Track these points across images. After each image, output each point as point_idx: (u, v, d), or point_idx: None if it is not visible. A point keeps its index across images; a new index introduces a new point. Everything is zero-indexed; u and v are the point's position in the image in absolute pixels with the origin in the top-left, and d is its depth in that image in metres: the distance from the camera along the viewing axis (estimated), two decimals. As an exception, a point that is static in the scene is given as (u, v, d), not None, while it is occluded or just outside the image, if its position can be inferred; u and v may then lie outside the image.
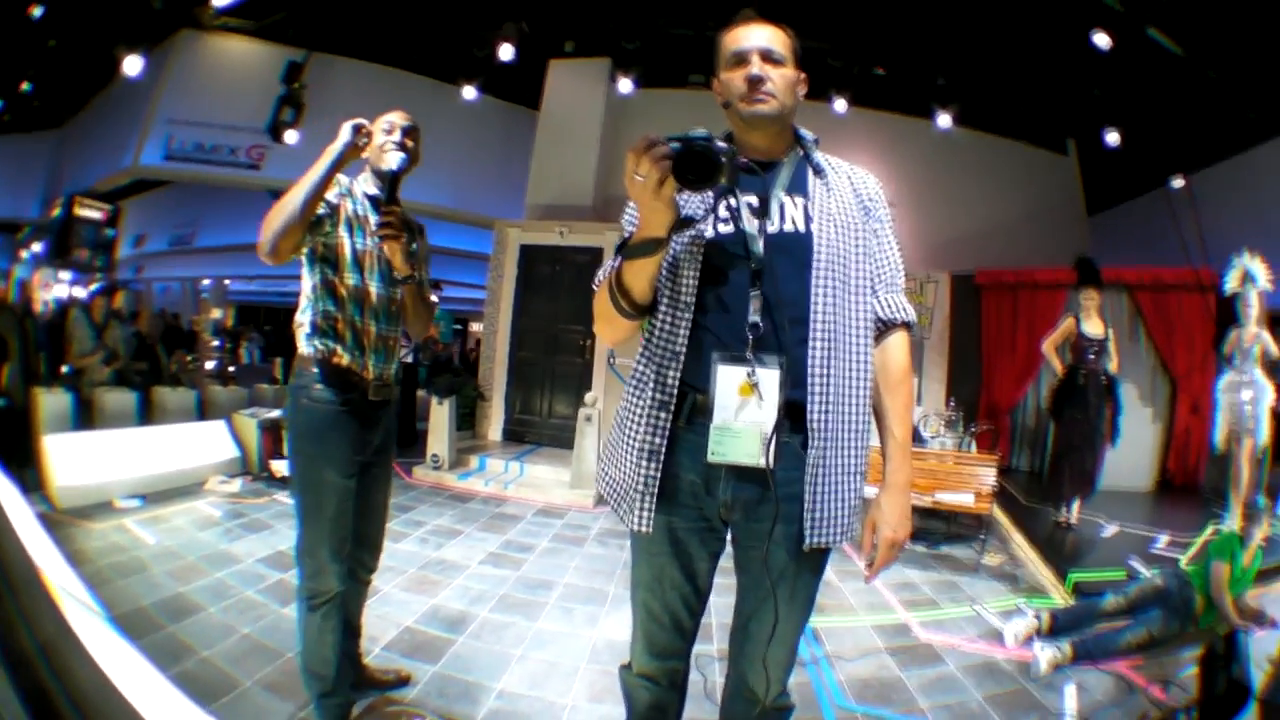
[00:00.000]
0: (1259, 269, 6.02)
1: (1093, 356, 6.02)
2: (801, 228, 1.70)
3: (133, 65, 9.19)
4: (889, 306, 1.79)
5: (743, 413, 1.60)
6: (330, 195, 2.43)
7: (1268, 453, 6.40)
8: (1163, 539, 5.80)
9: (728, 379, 1.61)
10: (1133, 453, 7.85)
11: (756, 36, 1.70)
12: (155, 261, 16.40)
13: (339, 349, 2.50)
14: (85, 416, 6.39)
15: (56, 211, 12.28)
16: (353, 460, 2.49)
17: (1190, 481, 8.33)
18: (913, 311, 1.83)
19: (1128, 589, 4.20)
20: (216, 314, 15.39)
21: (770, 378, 1.59)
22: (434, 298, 3.00)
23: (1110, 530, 6.17)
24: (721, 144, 1.46)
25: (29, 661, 0.92)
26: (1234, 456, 6.05)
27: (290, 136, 9.83)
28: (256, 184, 10.58)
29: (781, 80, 1.69)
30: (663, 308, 1.69)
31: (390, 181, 2.49)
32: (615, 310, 1.65)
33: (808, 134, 1.82)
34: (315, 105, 9.97)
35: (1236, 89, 8.29)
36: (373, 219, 2.53)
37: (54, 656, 0.95)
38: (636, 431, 1.70)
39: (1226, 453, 6.19)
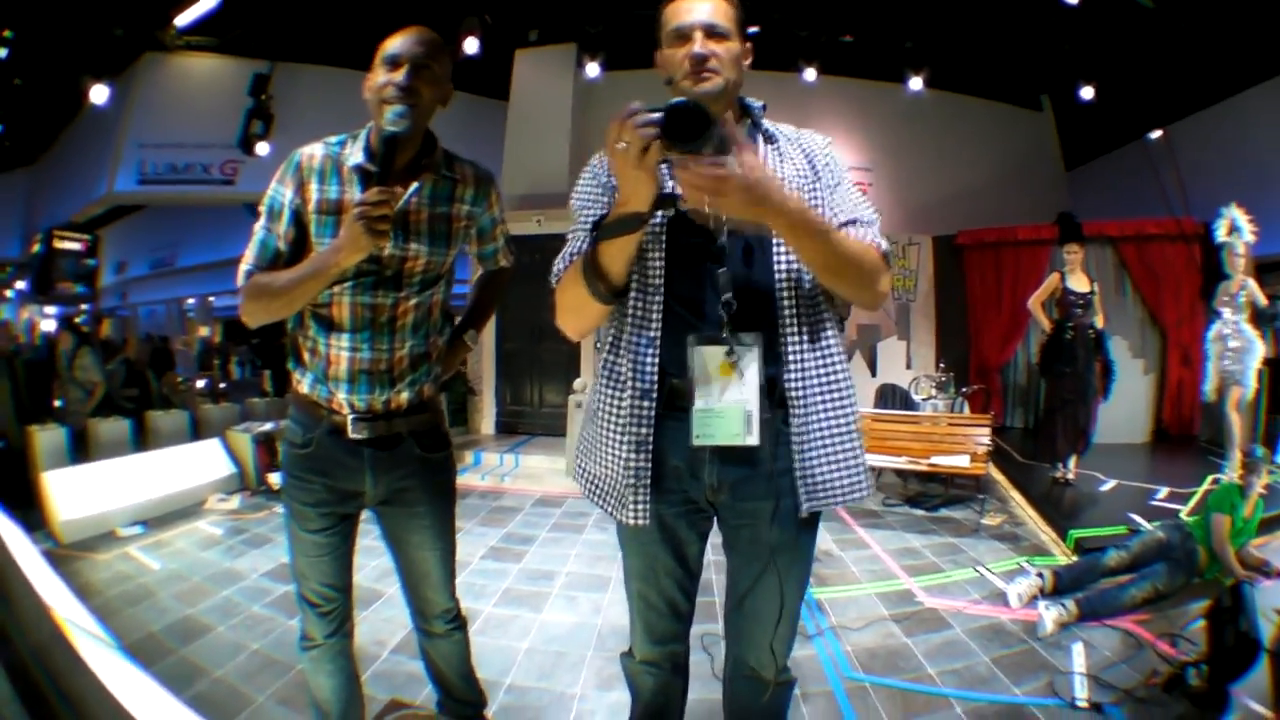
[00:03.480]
0: (1243, 220, 6.08)
1: (1079, 311, 6.05)
2: None
3: (99, 94, 9.27)
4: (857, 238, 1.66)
5: (725, 393, 1.56)
6: (284, 193, 1.91)
7: (1263, 401, 6.46)
8: (1162, 491, 5.84)
9: (707, 360, 1.57)
10: (1127, 406, 7.92)
11: (699, 11, 1.62)
12: (138, 286, 16.38)
13: (300, 376, 2.03)
14: (80, 449, 6.38)
15: (36, 247, 12.26)
16: (315, 514, 2.02)
17: (1186, 432, 8.40)
18: (884, 242, 1.67)
19: (1129, 544, 4.22)
20: (204, 331, 15.32)
21: (749, 355, 1.56)
22: (469, 340, 2.37)
23: (1109, 485, 6.21)
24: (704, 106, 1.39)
25: (47, 701, 0.92)
26: (1224, 406, 6.12)
27: (261, 148, 9.85)
28: (232, 199, 10.59)
29: (726, 55, 1.63)
30: (632, 293, 1.65)
31: (383, 148, 1.78)
32: (590, 295, 1.58)
33: (754, 102, 1.77)
34: (284, 115, 10.00)
35: (1210, 39, 8.29)
36: (353, 199, 1.84)
37: (72, 694, 0.95)
38: (619, 423, 1.67)
39: (1218, 403, 6.26)
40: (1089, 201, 10.58)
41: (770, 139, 1.74)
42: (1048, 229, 8.47)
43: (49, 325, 13.21)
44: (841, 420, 1.67)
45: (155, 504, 5.87)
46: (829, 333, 1.68)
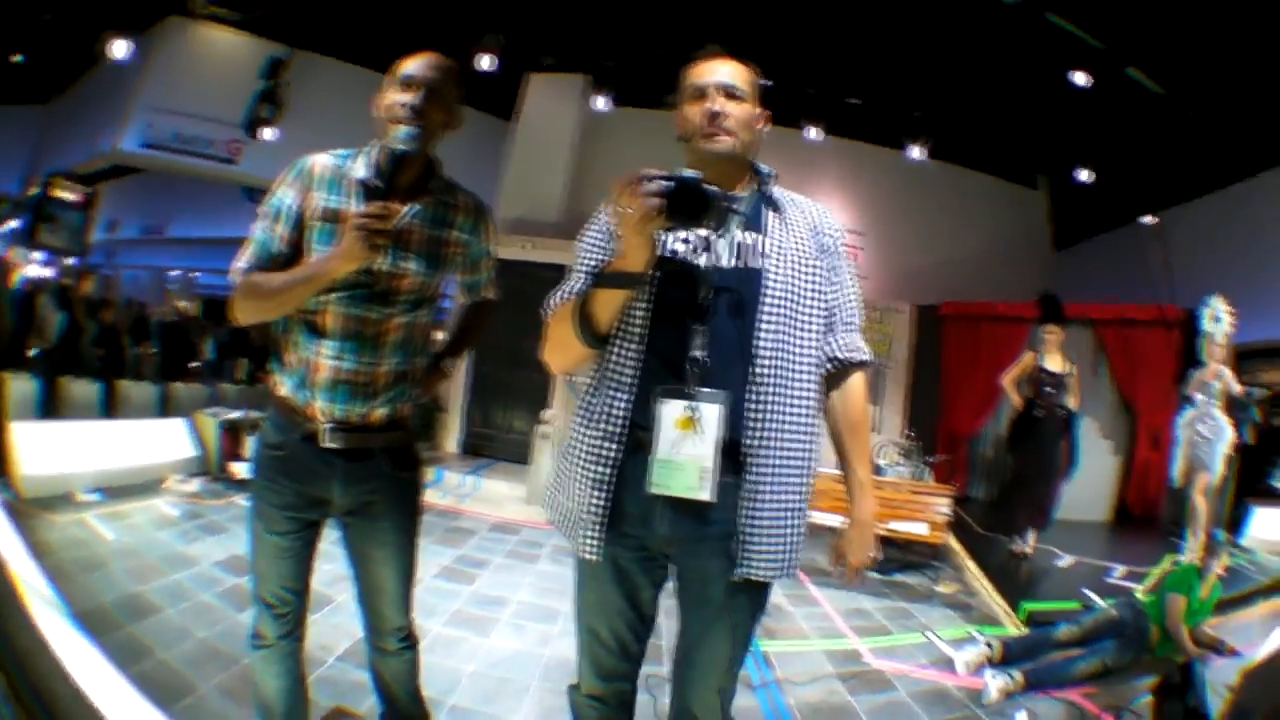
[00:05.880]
0: (1224, 311, 6.19)
1: (1051, 391, 6.13)
2: (754, 263, 1.71)
3: (120, 49, 9.09)
4: (846, 347, 1.82)
5: (683, 446, 1.61)
6: (288, 198, 1.96)
7: (1230, 487, 6.54)
8: (1119, 570, 5.89)
9: (669, 412, 1.63)
10: (1091, 484, 7.98)
11: (719, 72, 1.72)
12: (125, 249, 16.19)
13: (282, 380, 2.04)
14: (50, 405, 6.32)
15: (35, 190, 12.13)
16: (281, 516, 2.03)
17: (1149, 513, 8.42)
18: (869, 351, 1.86)
19: (1082, 619, 4.25)
20: (182, 306, 15.18)
21: (711, 412, 1.61)
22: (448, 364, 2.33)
23: (1066, 560, 6.25)
24: (712, 186, 1.48)
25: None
26: (1191, 491, 6.20)
27: (267, 133, 9.77)
28: (230, 178, 10.52)
29: (741, 115, 1.71)
30: (616, 340, 1.71)
31: (389, 165, 1.88)
32: (578, 336, 1.66)
33: (766, 169, 1.83)
34: (295, 104, 9.95)
35: (1215, 127, 8.39)
36: (353, 210, 1.86)
37: (23, 656, 0.96)
38: (586, 462, 1.72)
39: (1185, 487, 6.32)
40: (1075, 282, 10.69)
41: (776, 207, 1.80)
42: (1029, 307, 8.56)
43: (33, 271, 13.02)
44: (795, 493, 1.71)
45: (116, 474, 5.82)
46: (804, 403, 1.73)
